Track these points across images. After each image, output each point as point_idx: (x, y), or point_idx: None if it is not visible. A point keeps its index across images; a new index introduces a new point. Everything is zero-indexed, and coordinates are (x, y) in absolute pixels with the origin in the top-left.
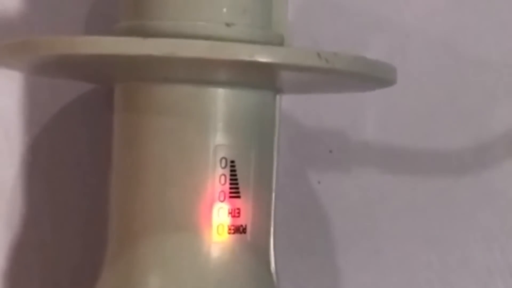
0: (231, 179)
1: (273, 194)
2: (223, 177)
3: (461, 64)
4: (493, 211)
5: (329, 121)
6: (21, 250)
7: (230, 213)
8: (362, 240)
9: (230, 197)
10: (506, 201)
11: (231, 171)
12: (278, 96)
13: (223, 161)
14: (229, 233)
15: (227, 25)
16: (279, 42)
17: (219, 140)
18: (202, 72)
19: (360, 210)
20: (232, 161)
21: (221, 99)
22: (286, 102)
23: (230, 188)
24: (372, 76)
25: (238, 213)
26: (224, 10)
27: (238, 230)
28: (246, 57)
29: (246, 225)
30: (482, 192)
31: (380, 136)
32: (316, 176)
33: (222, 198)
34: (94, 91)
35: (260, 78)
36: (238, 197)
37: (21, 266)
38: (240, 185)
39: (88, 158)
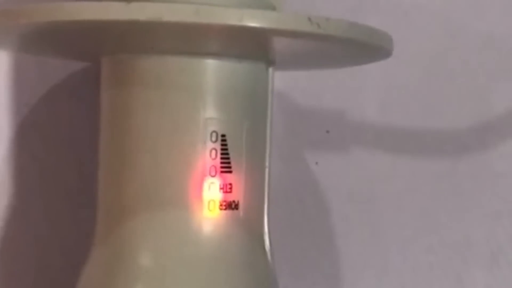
0: (222, 154)
1: (267, 170)
2: (213, 151)
3: (461, 42)
4: (495, 192)
5: (326, 101)
6: (10, 231)
7: (221, 188)
8: (360, 222)
9: (222, 172)
10: (508, 182)
11: (222, 145)
12: (271, 69)
13: (214, 135)
14: (221, 209)
15: None
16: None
17: (209, 114)
18: (190, 42)
19: (358, 191)
20: (223, 135)
21: (211, 70)
22: (282, 82)
23: (221, 162)
24: (365, 43)
25: (230, 188)
26: None
27: (230, 206)
28: (234, 22)
29: (238, 201)
30: (484, 173)
31: (378, 116)
32: (314, 157)
33: (213, 173)
34: (82, 70)
35: (251, 47)
36: (230, 172)
37: (11, 248)
38: (231, 160)
39: (77, 139)
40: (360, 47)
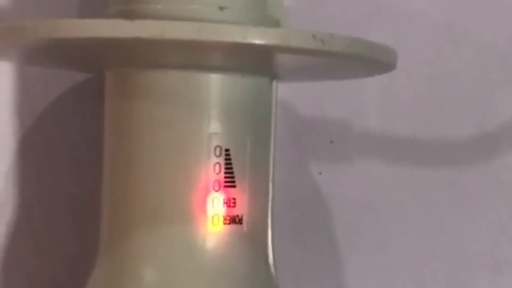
0: (226, 168)
1: (271, 184)
2: (217, 166)
3: (465, 50)
4: (500, 202)
5: (330, 110)
6: (13, 242)
7: (225, 203)
8: (365, 232)
9: (225, 186)
10: None
11: (226, 159)
12: (274, 83)
13: (218, 149)
14: (225, 223)
15: (220, 8)
16: (274, 26)
17: (213, 128)
18: (194, 57)
19: (362, 201)
20: (227, 150)
21: (215, 85)
22: (286, 92)
23: (225, 177)
24: (370, 59)
25: (234, 203)
26: None
27: (234, 220)
28: (238, 39)
29: (242, 216)
30: (488, 181)
31: (382, 126)
32: (317, 167)
33: (216, 188)
34: (86, 81)
35: (254, 62)
36: (234, 186)
37: (13, 258)
38: (235, 174)
39: (80, 149)
40: (364, 62)
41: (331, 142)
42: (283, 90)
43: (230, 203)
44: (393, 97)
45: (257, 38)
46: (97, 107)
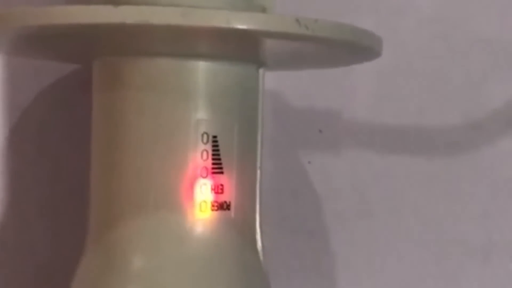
0: (213, 155)
1: (258, 171)
2: (205, 153)
3: (453, 41)
4: (488, 189)
5: (318, 100)
6: (3, 234)
7: (213, 189)
8: (354, 221)
9: (213, 173)
10: (501, 179)
11: (213, 146)
12: (261, 70)
13: (205, 136)
14: (212, 210)
15: None
16: (260, 12)
17: (200, 115)
18: (180, 44)
19: (351, 190)
20: (214, 136)
21: (201, 72)
22: (275, 81)
23: (213, 163)
24: (354, 44)
25: (222, 189)
26: None
27: (222, 206)
28: (222, 24)
29: (230, 202)
30: (477, 170)
31: (371, 115)
32: (306, 157)
33: (204, 174)
34: (75, 72)
35: (240, 48)
36: (221, 173)
37: (5, 253)
38: (223, 161)
39: (69, 141)
40: (349, 48)
41: (320, 131)
42: (271, 80)
43: (218, 189)
44: (382, 87)
45: (241, 23)
46: (85, 98)
